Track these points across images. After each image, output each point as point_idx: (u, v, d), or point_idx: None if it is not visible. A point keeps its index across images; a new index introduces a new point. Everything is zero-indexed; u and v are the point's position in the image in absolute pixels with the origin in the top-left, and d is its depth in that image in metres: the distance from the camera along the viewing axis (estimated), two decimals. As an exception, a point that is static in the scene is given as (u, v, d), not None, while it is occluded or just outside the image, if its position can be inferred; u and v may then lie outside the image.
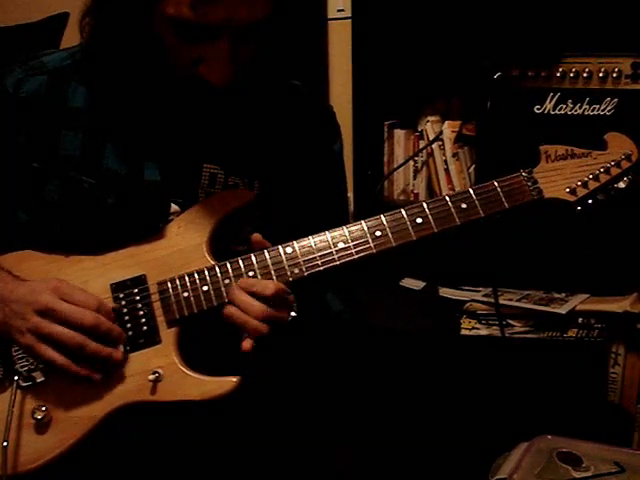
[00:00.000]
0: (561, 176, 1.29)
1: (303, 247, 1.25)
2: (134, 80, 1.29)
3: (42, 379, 1.23)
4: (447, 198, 1.26)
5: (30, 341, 1.19)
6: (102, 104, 1.32)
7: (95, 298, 1.23)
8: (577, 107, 2.11)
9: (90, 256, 1.29)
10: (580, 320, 2.14)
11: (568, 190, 1.29)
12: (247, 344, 1.22)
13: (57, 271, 1.29)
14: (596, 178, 1.29)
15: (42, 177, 1.31)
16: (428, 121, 2.44)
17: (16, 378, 1.22)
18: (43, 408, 1.21)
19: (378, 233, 1.25)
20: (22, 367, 1.23)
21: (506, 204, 1.26)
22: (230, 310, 1.23)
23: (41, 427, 1.22)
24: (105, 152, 1.31)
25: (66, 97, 1.32)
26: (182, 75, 1.22)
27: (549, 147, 1.31)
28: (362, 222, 1.26)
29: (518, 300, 2.23)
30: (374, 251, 1.25)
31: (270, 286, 1.22)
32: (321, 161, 1.44)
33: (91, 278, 1.28)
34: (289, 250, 1.25)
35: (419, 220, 1.25)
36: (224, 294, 1.24)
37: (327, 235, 1.26)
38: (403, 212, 1.26)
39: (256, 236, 1.27)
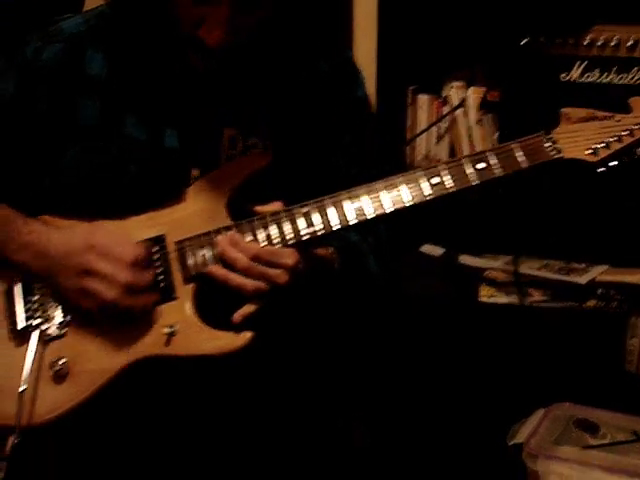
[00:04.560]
0: (582, 137, 1.26)
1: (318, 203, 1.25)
2: (149, 43, 1.30)
3: (58, 333, 1.25)
4: (464, 159, 1.26)
5: (74, 295, 1.23)
6: (120, 70, 1.32)
7: (131, 252, 1.22)
8: (604, 76, 2.09)
9: (112, 220, 1.30)
10: (599, 291, 2.13)
11: (590, 151, 1.26)
12: (237, 316, 1.22)
13: None
14: (619, 139, 1.26)
15: (62, 144, 1.32)
16: (452, 87, 2.42)
17: (35, 332, 1.24)
18: (61, 361, 1.23)
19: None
20: (40, 321, 1.25)
21: (525, 163, 1.25)
22: (211, 268, 1.23)
23: (59, 379, 1.23)
24: (125, 119, 1.31)
25: (83, 64, 1.32)
26: (186, 35, 1.23)
27: (570, 110, 1.28)
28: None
29: (538, 269, 2.22)
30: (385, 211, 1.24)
31: (252, 250, 1.22)
32: (344, 110, 1.42)
33: None
34: (305, 209, 1.25)
35: (435, 180, 1.24)
36: None
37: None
38: (420, 172, 1.26)
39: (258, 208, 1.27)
